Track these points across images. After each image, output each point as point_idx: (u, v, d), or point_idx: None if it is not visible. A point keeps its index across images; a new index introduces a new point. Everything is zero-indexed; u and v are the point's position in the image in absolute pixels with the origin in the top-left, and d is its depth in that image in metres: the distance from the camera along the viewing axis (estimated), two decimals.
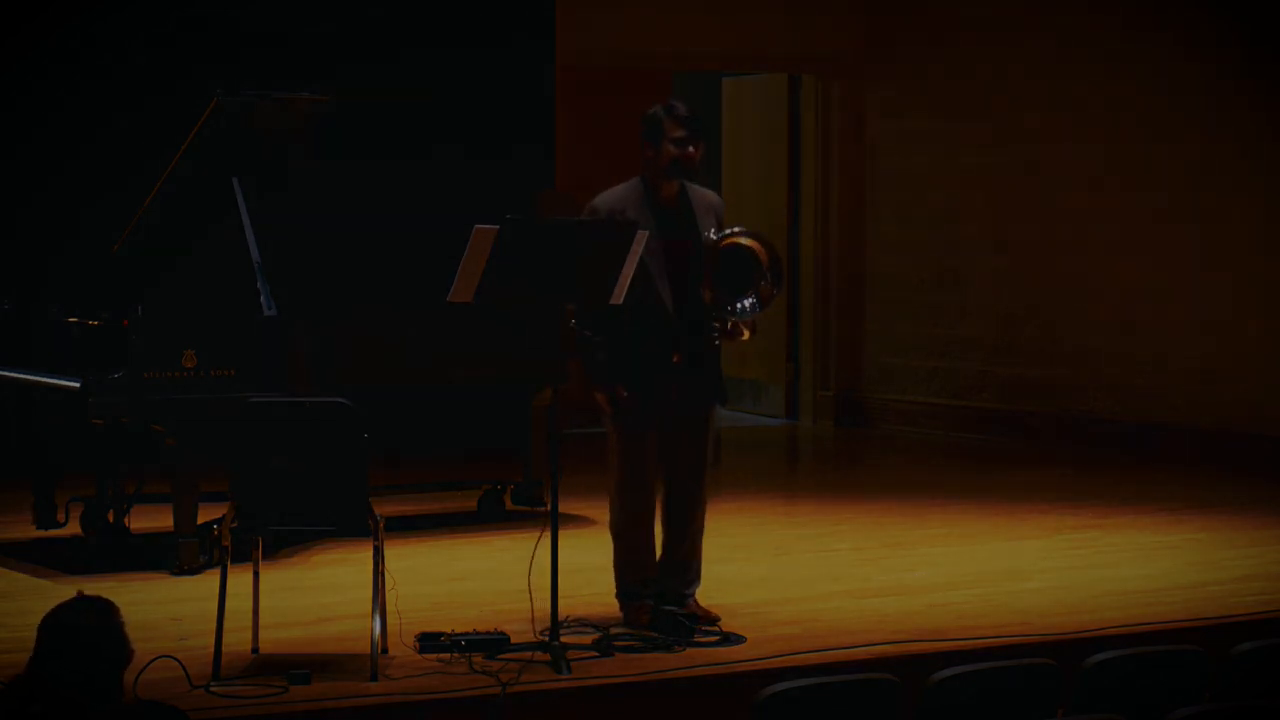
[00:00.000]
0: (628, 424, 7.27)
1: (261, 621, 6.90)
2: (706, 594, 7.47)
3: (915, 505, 10.38)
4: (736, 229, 7.18)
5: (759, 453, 13.17)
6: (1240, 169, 11.91)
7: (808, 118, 14.07)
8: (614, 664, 6.76)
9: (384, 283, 9.02)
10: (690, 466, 7.38)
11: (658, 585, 7.37)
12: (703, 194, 7.38)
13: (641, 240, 6.98)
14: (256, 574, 6.89)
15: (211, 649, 6.51)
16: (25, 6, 11.09)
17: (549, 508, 6.98)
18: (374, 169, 9.38)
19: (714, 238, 7.15)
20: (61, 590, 7.51)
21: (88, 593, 4.73)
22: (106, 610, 4.61)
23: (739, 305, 7.08)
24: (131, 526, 8.81)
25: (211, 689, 6.32)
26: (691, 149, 7.19)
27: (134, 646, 4.76)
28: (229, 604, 6.61)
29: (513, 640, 6.85)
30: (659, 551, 7.43)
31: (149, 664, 6.04)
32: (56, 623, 4.57)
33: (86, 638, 4.54)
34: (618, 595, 7.40)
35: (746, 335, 7.23)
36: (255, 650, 6.83)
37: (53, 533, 8.88)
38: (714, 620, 7.30)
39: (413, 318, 9.00)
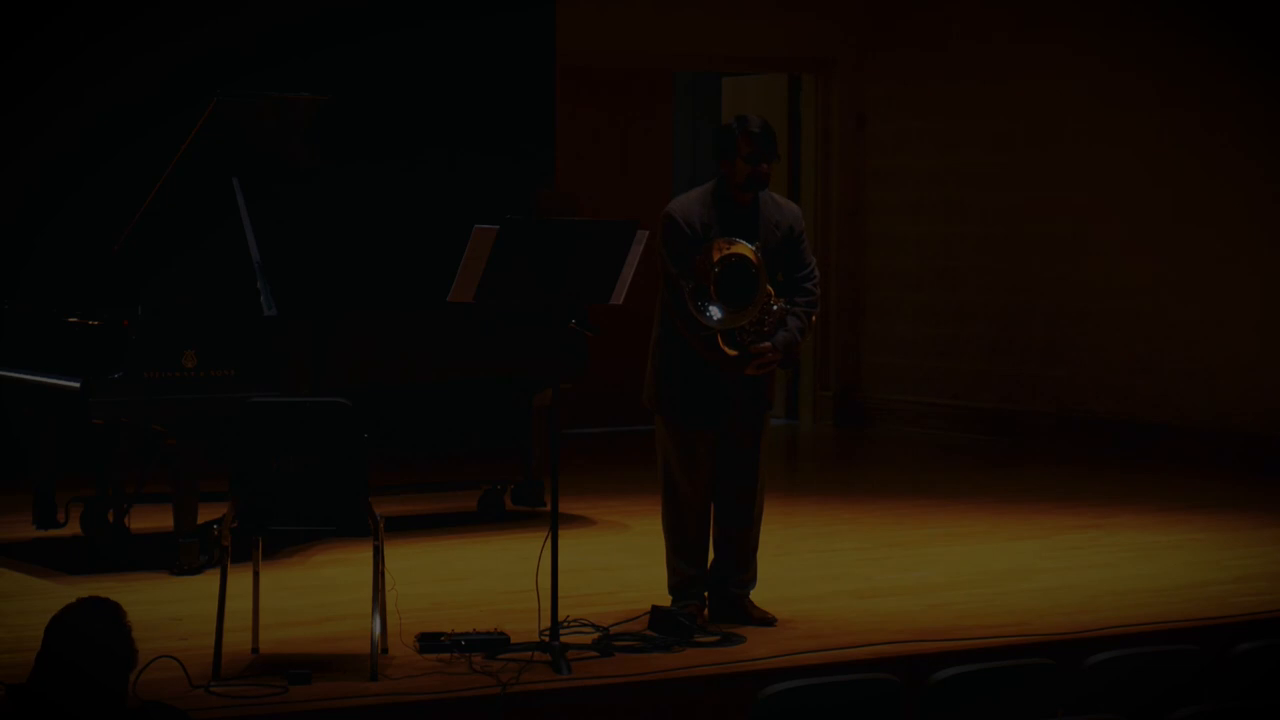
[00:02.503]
0: (684, 424, 7.30)
1: (261, 621, 6.90)
2: None
3: (915, 505, 10.38)
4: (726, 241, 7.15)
5: None
6: (1242, 168, 11.90)
7: (808, 118, 14.08)
8: (614, 664, 6.76)
9: (384, 282, 9.02)
10: (742, 471, 7.39)
11: (713, 583, 7.41)
12: (776, 208, 7.38)
13: (642, 240, 6.99)
14: (256, 574, 6.90)
15: (211, 649, 6.52)
16: (29, 9, 11.09)
17: (549, 508, 6.98)
18: (374, 169, 9.37)
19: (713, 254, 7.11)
20: (62, 590, 7.53)
21: (90, 593, 4.73)
22: (114, 612, 4.60)
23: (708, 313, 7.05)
24: (131, 526, 8.81)
25: (211, 689, 6.32)
26: (764, 166, 7.22)
27: (137, 648, 4.76)
28: (229, 604, 6.61)
29: (513, 640, 6.85)
30: (711, 553, 7.46)
31: (149, 664, 6.03)
32: (64, 624, 4.57)
33: (94, 640, 4.53)
34: (670, 589, 7.42)
35: (770, 354, 7.20)
36: (255, 650, 6.83)
37: (53, 533, 8.88)
38: (771, 622, 7.32)
39: (413, 318, 9.01)
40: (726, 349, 7.16)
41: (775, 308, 7.21)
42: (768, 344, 7.20)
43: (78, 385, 8.13)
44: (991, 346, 13.25)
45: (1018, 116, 13.01)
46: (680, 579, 7.41)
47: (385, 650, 6.77)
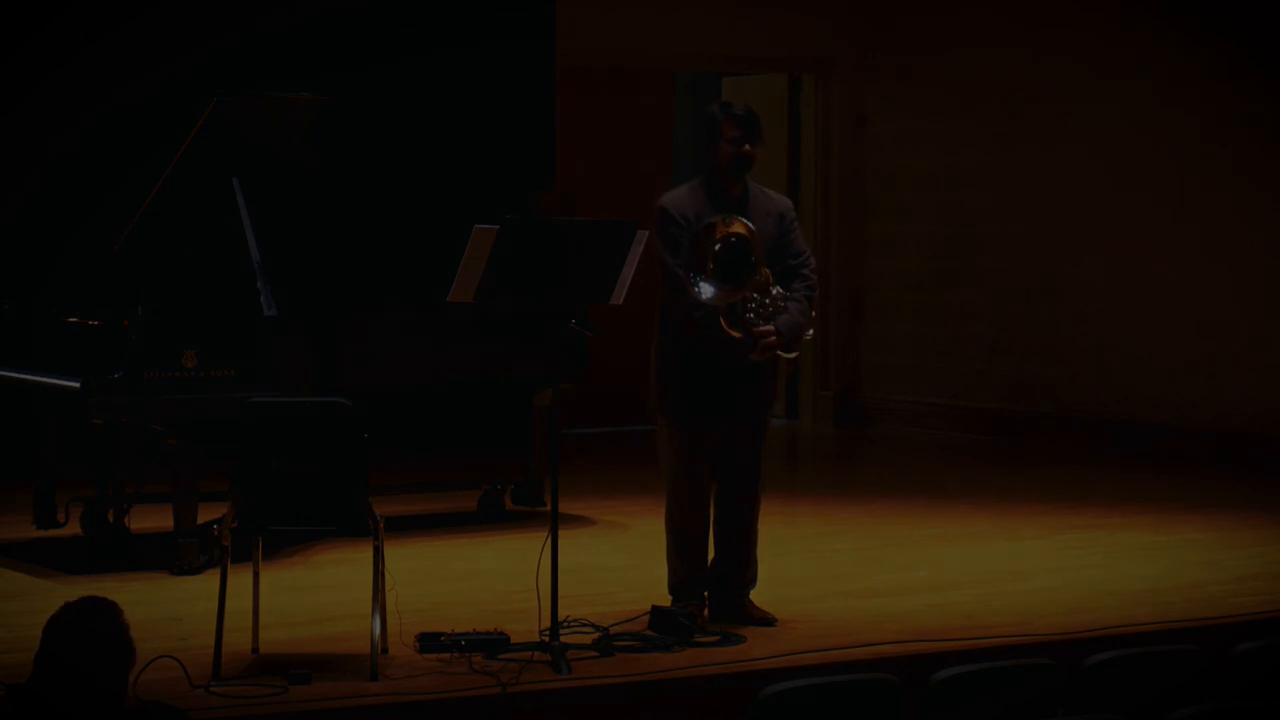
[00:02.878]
0: (686, 425, 7.30)
1: (261, 621, 6.90)
2: None
3: (915, 505, 10.38)
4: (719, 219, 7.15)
5: None
6: (1241, 169, 11.91)
7: (808, 118, 14.08)
8: (614, 664, 6.76)
9: (384, 282, 9.02)
10: (744, 470, 7.40)
11: (713, 583, 7.41)
12: (766, 198, 7.40)
13: (642, 240, 6.99)
14: (256, 574, 6.89)
15: (211, 649, 6.51)
16: (29, 9, 11.09)
17: (549, 508, 6.98)
18: (374, 169, 9.37)
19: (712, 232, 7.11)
20: (62, 590, 7.52)
21: (89, 593, 4.73)
22: (112, 611, 4.60)
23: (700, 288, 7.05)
24: (131, 526, 8.80)
25: (211, 689, 6.32)
26: (748, 147, 7.24)
27: (135, 647, 4.76)
28: (229, 604, 6.60)
29: (513, 640, 6.85)
30: (712, 551, 7.46)
31: (149, 664, 6.03)
32: (62, 624, 4.57)
33: (92, 640, 4.53)
34: (670, 589, 7.42)
35: (773, 337, 7.20)
36: (255, 650, 6.83)
37: (53, 533, 8.88)
38: (771, 622, 7.32)
39: (413, 318, 9.01)
40: (730, 331, 7.15)
41: (775, 291, 7.21)
42: (770, 327, 7.19)
43: (78, 385, 8.13)
44: (991, 346, 13.25)
45: (1017, 116, 13.00)
46: (680, 579, 7.40)
47: (385, 650, 6.77)
